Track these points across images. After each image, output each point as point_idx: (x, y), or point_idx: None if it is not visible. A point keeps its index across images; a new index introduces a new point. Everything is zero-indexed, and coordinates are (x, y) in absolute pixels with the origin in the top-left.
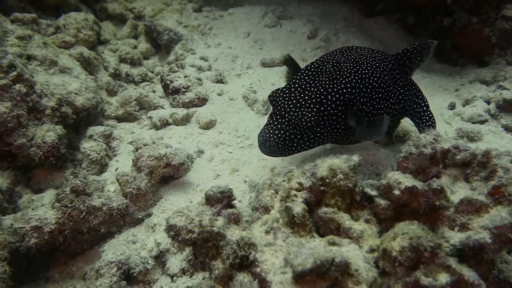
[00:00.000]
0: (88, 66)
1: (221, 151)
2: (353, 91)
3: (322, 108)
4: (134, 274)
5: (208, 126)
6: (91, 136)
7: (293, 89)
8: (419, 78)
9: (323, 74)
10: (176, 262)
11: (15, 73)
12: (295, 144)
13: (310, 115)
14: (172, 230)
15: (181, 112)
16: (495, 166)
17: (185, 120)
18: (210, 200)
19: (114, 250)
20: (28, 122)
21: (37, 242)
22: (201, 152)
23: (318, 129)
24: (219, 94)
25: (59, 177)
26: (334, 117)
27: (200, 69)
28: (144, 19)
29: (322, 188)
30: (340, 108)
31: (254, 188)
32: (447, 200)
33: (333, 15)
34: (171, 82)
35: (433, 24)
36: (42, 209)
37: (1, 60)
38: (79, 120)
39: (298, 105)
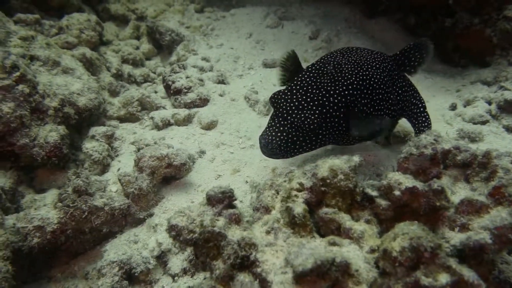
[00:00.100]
0: (91, 66)
1: (223, 151)
2: (355, 92)
3: (324, 110)
4: (136, 274)
5: (209, 126)
6: (93, 137)
7: (294, 91)
8: (420, 79)
9: (325, 75)
10: (177, 262)
11: (18, 73)
12: (297, 146)
13: (313, 117)
14: (174, 230)
15: (182, 112)
16: (495, 167)
17: (187, 121)
18: (211, 200)
19: (116, 250)
20: (31, 123)
21: (40, 242)
22: (202, 152)
23: (320, 131)
24: (221, 95)
25: (61, 177)
26: (336, 119)
27: (202, 69)
28: (146, 20)
29: (322, 188)
30: (342, 109)
31: (255, 189)
32: (448, 200)
33: (334, 16)
34: (173, 82)
35: (435, 24)
36: (44, 209)
37: (4, 61)
38: (81, 120)
39: (301, 107)
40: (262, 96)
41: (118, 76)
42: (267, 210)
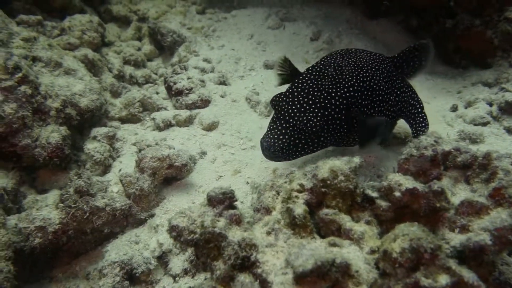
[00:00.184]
0: (93, 67)
1: (224, 152)
2: (356, 94)
3: (326, 113)
4: (137, 274)
5: (210, 127)
6: (95, 137)
7: (296, 94)
8: (421, 80)
9: (326, 78)
10: (178, 262)
11: (20, 74)
12: (299, 149)
13: (315, 119)
14: (175, 231)
15: (184, 113)
16: (495, 168)
17: (188, 122)
18: (212, 201)
19: (117, 250)
20: (33, 123)
21: (41, 242)
22: (203, 153)
23: (322, 133)
24: (222, 96)
25: (63, 177)
26: (338, 121)
27: (203, 71)
28: (148, 21)
29: (323, 189)
30: (343, 111)
31: (256, 190)
32: (448, 202)
33: (336, 17)
34: (174, 83)
35: (436, 26)
36: (46, 209)
37: (7, 62)
38: (83, 121)
39: (303, 109)
40: (263, 97)
41: (120, 77)
42: (268, 211)
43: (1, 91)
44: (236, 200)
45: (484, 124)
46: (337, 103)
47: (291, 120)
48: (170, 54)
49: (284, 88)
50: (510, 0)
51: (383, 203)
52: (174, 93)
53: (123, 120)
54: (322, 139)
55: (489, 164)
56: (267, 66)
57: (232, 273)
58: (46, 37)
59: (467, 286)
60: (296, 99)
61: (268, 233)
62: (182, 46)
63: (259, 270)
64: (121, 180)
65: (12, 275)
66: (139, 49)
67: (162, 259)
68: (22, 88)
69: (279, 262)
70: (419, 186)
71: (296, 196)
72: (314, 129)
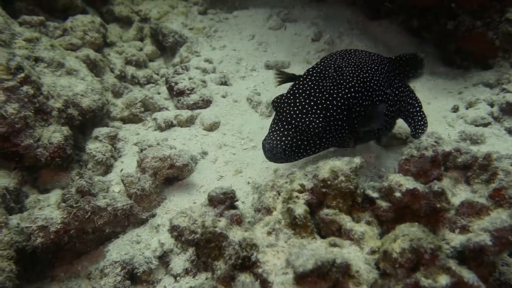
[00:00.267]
0: (94, 68)
1: (225, 152)
2: (357, 95)
3: (328, 114)
4: (138, 274)
5: (212, 127)
6: (96, 137)
7: (297, 95)
8: (422, 81)
9: (326, 79)
10: (179, 262)
11: (22, 75)
12: (301, 150)
13: (317, 121)
14: (176, 231)
15: (185, 113)
16: (496, 169)
17: (189, 122)
18: (213, 201)
19: (118, 250)
20: (35, 123)
21: (43, 242)
22: (205, 153)
23: (324, 135)
24: (223, 96)
25: (65, 177)
26: (339, 122)
27: (204, 71)
28: (150, 22)
29: (323, 190)
30: (345, 112)
31: (257, 190)
32: (448, 202)
33: (337, 18)
34: (176, 84)
35: (437, 27)
36: (48, 209)
37: (9, 62)
38: (85, 121)
39: (305, 111)
40: (265, 98)
41: (122, 77)
42: (269, 211)
43: (3, 91)
44: (237, 200)
45: (485, 125)
46: (339, 104)
47: (293, 121)
48: (172, 55)
49: (284, 88)
50: (511, 1)
51: (383, 204)
52: (176, 93)
53: (125, 120)
54: (324, 140)
55: (489, 165)
56: (268, 67)
57: (232, 273)
58: (49, 38)
59: (467, 286)
60: (297, 100)
61: (269, 233)
62: (184, 47)
63: (259, 270)
64: (122, 180)
65: (14, 274)
66: (141, 49)
67: (163, 258)
68: (25, 88)
69: (279, 262)
70: (420, 186)
71: (296, 196)
72: (316, 130)
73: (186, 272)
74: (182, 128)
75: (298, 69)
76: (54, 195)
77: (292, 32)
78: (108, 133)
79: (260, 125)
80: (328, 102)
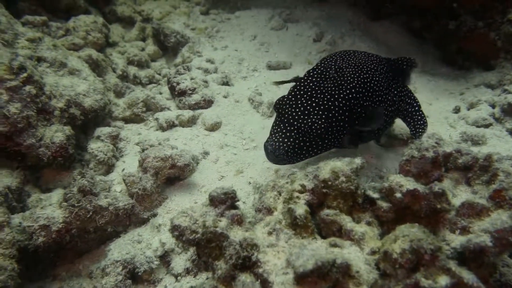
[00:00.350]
0: (97, 68)
1: (226, 152)
2: (357, 96)
3: (330, 115)
4: (139, 273)
5: (213, 128)
6: (98, 137)
7: (299, 97)
8: (424, 82)
9: (328, 80)
10: (180, 262)
11: (25, 74)
12: (303, 152)
13: (320, 122)
14: (176, 230)
15: (187, 113)
16: (496, 170)
17: (191, 122)
18: (214, 201)
19: (119, 249)
20: (37, 123)
21: (45, 241)
22: (206, 153)
23: (327, 136)
24: (225, 96)
25: (67, 177)
26: (341, 123)
27: (206, 71)
28: (152, 22)
29: (324, 190)
30: (346, 113)
31: (258, 190)
32: (449, 203)
33: (339, 19)
34: (178, 84)
35: (438, 27)
36: (50, 208)
37: (12, 62)
38: (87, 121)
39: (307, 112)
40: (266, 98)
41: (124, 77)
42: (269, 211)
43: (6, 91)
44: (238, 200)
45: (487, 126)
46: (340, 104)
47: (295, 123)
48: (174, 55)
49: (285, 87)
50: None
51: (384, 204)
52: (177, 93)
53: (127, 120)
54: (326, 141)
55: (490, 166)
56: (270, 67)
57: (233, 273)
58: (51, 38)
59: (467, 287)
60: (299, 102)
61: (270, 233)
62: (186, 47)
63: (260, 270)
64: (124, 180)
65: (15, 273)
66: (143, 49)
67: (164, 258)
68: (27, 88)
69: (280, 262)
70: (420, 187)
71: (297, 197)
72: (318, 131)
73: (187, 271)
74: (183, 128)
75: (299, 70)
76: (56, 195)
77: (294, 33)
78: (110, 133)
79: (262, 125)
80: (330, 103)
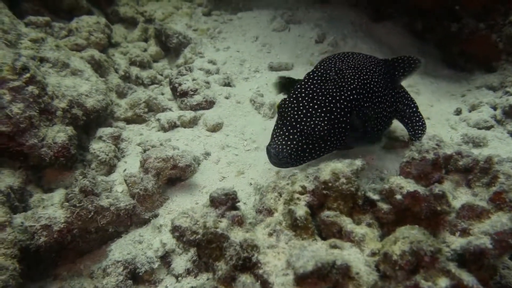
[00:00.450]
0: (99, 68)
1: (228, 153)
2: (358, 97)
3: (332, 116)
4: (140, 274)
5: (215, 128)
6: (100, 137)
7: (300, 99)
8: (425, 84)
9: (328, 82)
10: (181, 262)
11: (28, 75)
12: (306, 154)
13: (322, 124)
14: (177, 231)
15: (188, 114)
16: (496, 172)
17: (193, 123)
18: (215, 202)
19: (121, 249)
20: (40, 123)
21: (47, 241)
22: (207, 154)
23: (329, 137)
24: (227, 97)
25: (69, 177)
26: (343, 124)
27: (208, 72)
28: (154, 23)
29: (324, 191)
30: (348, 115)
31: (259, 191)
32: (449, 205)
33: (341, 20)
34: (180, 85)
35: (440, 29)
36: (51, 208)
37: (15, 62)
38: (89, 121)
39: (309, 114)
40: (268, 99)
41: (126, 78)
42: (270, 212)
43: (9, 91)
44: (239, 201)
45: (488, 128)
46: (342, 106)
47: (298, 125)
48: (176, 56)
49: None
50: None
51: (384, 206)
52: (179, 94)
53: (129, 121)
54: (328, 143)
55: (490, 168)
56: (272, 68)
57: (233, 274)
58: (54, 38)
59: None
60: (301, 104)
61: (270, 234)
62: (188, 48)
63: (260, 271)
64: (125, 180)
65: (17, 273)
66: (145, 50)
67: (165, 258)
68: (30, 88)
69: (280, 263)
70: (420, 189)
71: (298, 198)
72: (321, 133)
73: (188, 272)
74: (185, 128)
75: (301, 71)
76: (58, 195)
77: (296, 34)
78: (111, 133)
79: (263, 126)
80: (331, 105)
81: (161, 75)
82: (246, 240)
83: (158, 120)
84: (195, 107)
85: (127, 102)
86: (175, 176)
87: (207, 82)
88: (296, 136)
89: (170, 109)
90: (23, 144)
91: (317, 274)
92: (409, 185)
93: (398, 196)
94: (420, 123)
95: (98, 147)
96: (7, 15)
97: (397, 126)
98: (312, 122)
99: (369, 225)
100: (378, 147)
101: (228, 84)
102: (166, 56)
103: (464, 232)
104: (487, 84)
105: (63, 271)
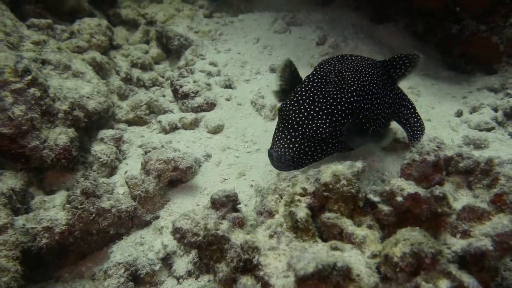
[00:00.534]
0: (100, 70)
1: (229, 155)
2: (358, 99)
3: (334, 118)
4: (141, 276)
5: (216, 130)
6: (102, 139)
7: (301, 102)
8: (426, 85)
9: (329, 84)
10: (182, 264)
11: (29, 77)
12: (308, 157)
13: (324, 126)
14: (178, 233)
15: (189, 116)
16: (497, 174)
17: (194, 125)
18: (216, 204)
19: (122, 251)
20: (42, 125)
21: (48, 242)
22: (208, 156)
23: (331, 140)
24: (228, 99)
25: (70, 179)
26: None
27: (209, 74)
28: (156, 25)
29: (325, 193)
30: (349, 116)
31: (260, 193)
32: (450, 207)
33: (342, 22)
34: (181, 87)
35: (441, 31)
36: (53, 210)
37: (17, 65)
38: (90, 123)
39: (310, 117)
40: (269, 101)
41: (127, 80)
42: (271, 214)
43: (11, 93)
44: (239, 203)
45: (489, 129)
46: (343, 108)
47: (299, 128)
48: (177, 58)
49: None
50: None
51: (385, 208)
52: (180, 96)
53: (130, 123)
54: (330, 145)
55: (491, 170)
56: (273, 70)
57: (234, 276)
58: (56, 40)
59: None
60: (302, 107)
61: (271, 236)
62: (189, 50)
63: (261, 273)
64: (127, 182)
65: (19, 274)
66: (146, 52)
67: (166, 260)
68: (32, 90)
69: (281, 265)
70: (421, 191)
71: (298, 200)
72: (323, 136)
73: (189, 274)
74: (186, 130)
75: (302, 73)
76: (60, 196)
77: (297, 36)
78: (113, 135)
79: (264, 128)
80: (333, 107)
81: (163, 77)
82: (247, 242)
83: (159, 122)
84: (196, 109)
85: (128, 104)
86: (176, 178)
87: (208, 84)
88: (298, 139)
89: (171, 111)
90: (25, 146)
91: (318, 276)
92: (410, 187)
93: (399, 198)
94: (419, 124)
95: (100, 149)
96: (9, 17)
97: (398, 127)
98: (314, 125)
99: (370, 227)
100: (378, 149)
101: (229, 86)
102: (167, 58)
103: (465, 234)
104: (488, 86)
105: (65, 273)
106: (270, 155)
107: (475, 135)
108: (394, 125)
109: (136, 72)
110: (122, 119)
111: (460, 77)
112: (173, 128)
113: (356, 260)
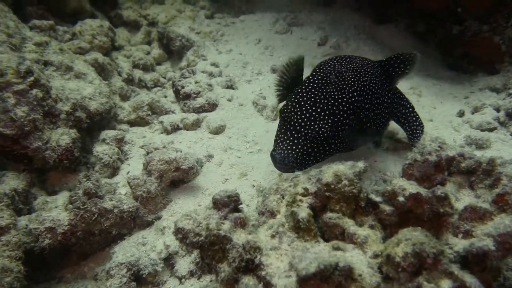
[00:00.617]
0: (102, 71)
1: (230, 155)
2: (359, 99)
3: (335, 119)
4: (144, 276)
5: (217, 131)
6: (104, 140)
7: (303, 103)
8: (428, 86)
9: (329, 85)
10: (184, 264)
11: (32, 78)
12: (311, 157)
13: (326, 126)
14: (180, 233)
15: (191, 117)
16: (499, 174)
17: (195, 125)
18: (217, 204)
19: (124, 251)
20: (44, 126)
21: (51, 243)
22: (210, 156)
23: (333, 140)
24: (229, 100)
25: (72, 179)
26: (347, 126)
27: (211, 75)
28: (157, 26)
29: (327, 193)
30: (351, 116)
31: (262, 193)
32: (451, 207)
33: (343, 23)
34: (182, 87)
35: (442, 32)
36: (56, 211)
37: (19, 66)
38: (92, 124)
39: (312, 118)
40: (270, 102)
41: (129, 80)
42: (272, 214)
43: (13, 95)
44: (241, 203)
45: (491, 129)
46: (345, 108)
47: (302, 129)
48: (179, 58)
49: None
50: None
51: (387, 208)
52: (182, 96)
53: (132, 123)
54: (333, 145)
55: (493, 170)
56: (274, 71)
57: (236, 276)
58: (58, 42)
59: None
60: (304, 108)
61: (273, 236)
62: (191, 50)
63: (263, 273)
64: (129, 183)
65: (22, 275)
66: (148, 53)
67: (169, 260)
68: (34, 91)
69: (283, 265)
70: (423, 191)
71: (300, 200)
72: (325, 135)
73: (191, 274)
74: (188, 131)
75: (303, 73)
76: (62, 197)
77: (298, 37)
78: (115, 136)
79: (266, 129)
80: (334, 107)
81: (164, 77)
82: (249, 242)
83: (161, 122)
84: (198, 110)
85: (130, 105)
86: (178, 178)
87: (210, 85)
88: (300, 140)
89: (173, 112)
90: (27, 147)
91: (320, 276)
92: (412, 187)
93: (401, 198)
94: (418, 123)
95: (102, 149)
96: (12, 19)
97: (399, 128)
98: (316, 125)
99: (371, 227)
100: (380, 149)
101: (230, 87)
102: (169, 59)
103: (467, 234)
104: (490, 86)
105: (67, 273)
106: (273, 157)
107: (477, 135)
108: (395, 125)
109: (138, 73)
110: (124, 119)
111: (462, 77)
112: (175, 128)
113: (358, 260)
